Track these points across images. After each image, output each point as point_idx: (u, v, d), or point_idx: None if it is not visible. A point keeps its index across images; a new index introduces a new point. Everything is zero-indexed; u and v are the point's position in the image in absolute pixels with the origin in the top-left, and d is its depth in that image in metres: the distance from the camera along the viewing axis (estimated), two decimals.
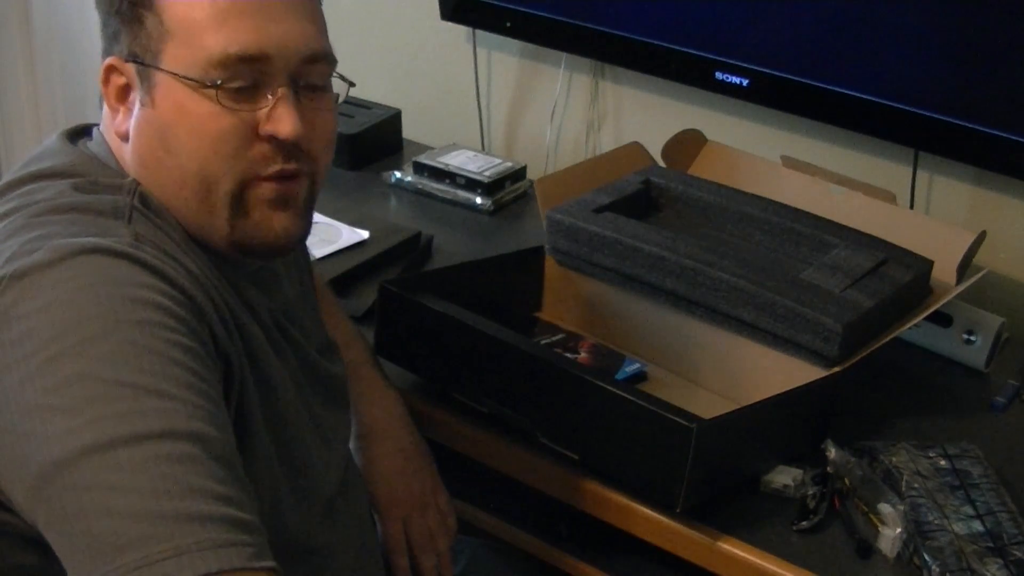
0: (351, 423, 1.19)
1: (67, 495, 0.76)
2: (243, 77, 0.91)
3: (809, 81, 1.51)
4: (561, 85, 1.87)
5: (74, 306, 0.81)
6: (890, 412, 1.30)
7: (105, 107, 0.97)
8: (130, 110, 0.95)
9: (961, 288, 1.29)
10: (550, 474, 1.20)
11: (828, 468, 1.14)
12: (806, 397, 1.18)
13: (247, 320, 0.96)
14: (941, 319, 1.39)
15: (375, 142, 1.88)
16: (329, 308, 1.25)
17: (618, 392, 1.10)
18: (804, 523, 1.11)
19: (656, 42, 1.63)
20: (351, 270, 1.47)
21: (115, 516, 0.75)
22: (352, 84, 1.01)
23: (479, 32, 1.90)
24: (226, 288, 0.95)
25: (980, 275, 1.29)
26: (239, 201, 0.93)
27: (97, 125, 1.01)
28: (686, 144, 1.54)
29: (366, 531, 1.15)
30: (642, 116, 1.81)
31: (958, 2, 1.38)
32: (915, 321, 1.25)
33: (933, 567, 1.04)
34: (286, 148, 0.93)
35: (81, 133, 1.01)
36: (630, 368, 1.32)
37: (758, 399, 1.15)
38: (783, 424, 1.19)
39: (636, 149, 1.54)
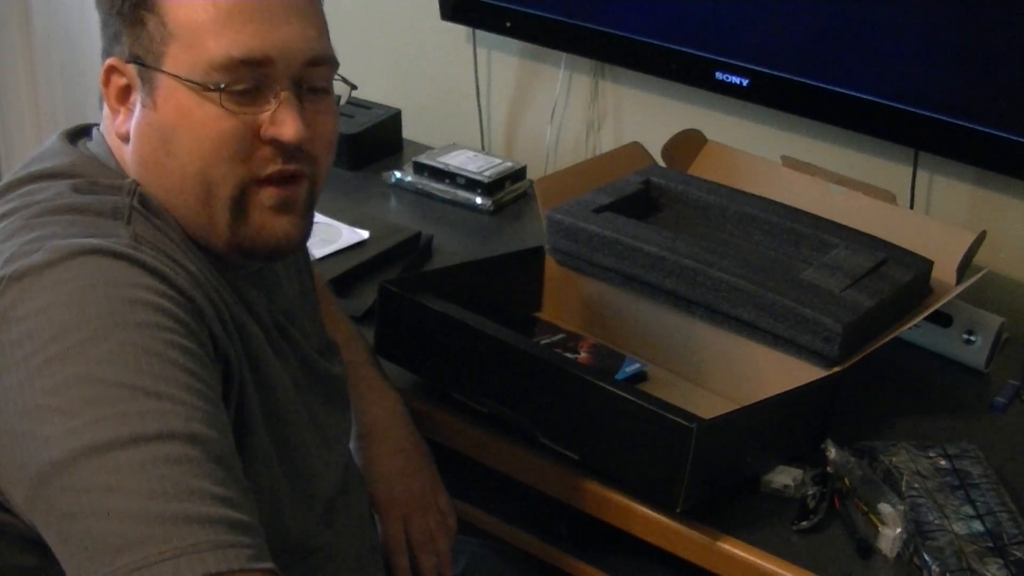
0: (351, 423, 1.19)
1: (66, 496, 0.76)
2: (246, 80, 0.91)
3: (809, 81, 1.51)
4: (561, 85, 1.87)
5: (73, 307, 0.81)
6: (890, 412, 1.30)
7: (105, 107, 0.97)
8: (131, 111, 0.95)
9: (961, 288, 1.29)
10: (550, 474, 1.20)
11: (828, 468, 1.14)
12: (806, 397, 1.18)
13: (247, 321, 0.96)
14: (941, 319, 1.39)
15: (375, 142, 1.88)
16: (329, 308, 1.25)
17: (618, 392, 1.10)
18: (804, 523, 1.11)
19: (656, 42, 1.63)
20: (351, 270, 1.47)
21: (114, 517, 0.75)
22: (354, 87, 1.01)
23: (479, 32, 1.90)
24: (225, 289, 0.95)
25: (980, 275, 1.29)
26: (240, 205, 0.93)
27: (97, 125, 1.00)
28: (686, 144, 1.54)
29: (366, 531, 1.15)
30: (642, 116, 1.81)
31: (958, 2, 1.38)
32: (915, 321, 1.25)
33: (933, 567, 1.04)
34: (288, 151, 0.93)
35: (81, 133, 1.01)
36: (630, 368, 1.32)
37: (758, 399, 1.15)
38: (783, 424, 1.19)
39: (636, 149, 1.54)
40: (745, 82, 1.56)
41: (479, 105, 1.95)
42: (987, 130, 1.38)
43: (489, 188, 1.72)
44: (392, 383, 1.26)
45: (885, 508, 1.09)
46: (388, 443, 1.21)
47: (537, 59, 1.89)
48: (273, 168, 0.93)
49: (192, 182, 0.92)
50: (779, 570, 1.07)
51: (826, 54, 1.50)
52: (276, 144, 0.92)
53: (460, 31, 1.93)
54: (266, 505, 0.94)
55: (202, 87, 0.90)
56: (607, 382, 1.13)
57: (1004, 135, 1.37)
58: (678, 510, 1.09)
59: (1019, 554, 1.05)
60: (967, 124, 1.39)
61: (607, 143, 1.85)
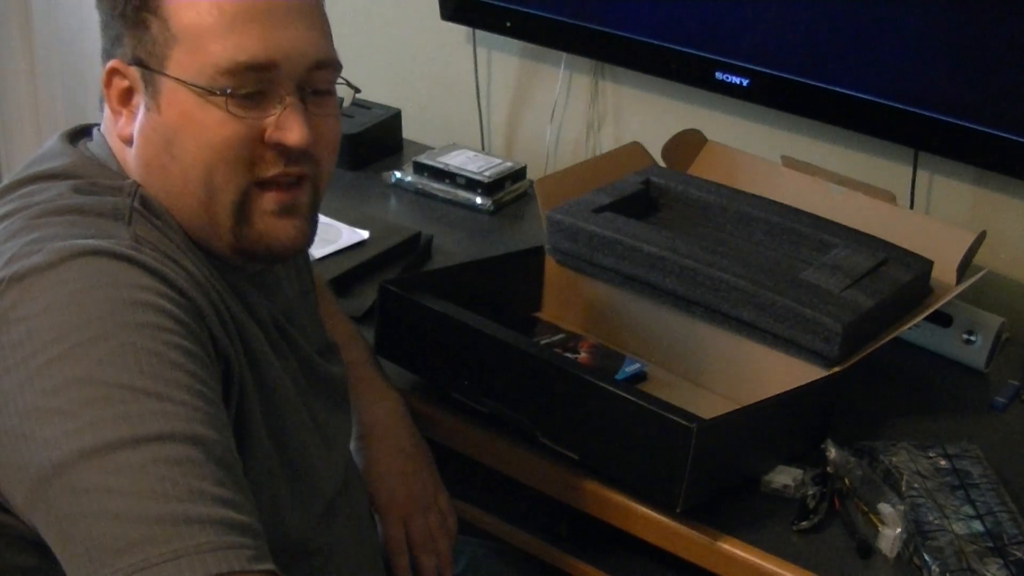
0: (351, 424, 1.19)
1: (66, 498, 0.76)
2: (251, 84, 0.91)
3: (809, 81, 1.51)
4: (561, 85, 1.87)
5: (74, 308, 0.81)
6: (890, 412, 1.30)
7: (106, 109, 0.97)
8: (133, 114, 0.95)
9: (961, 288, 1.29)
10: (550, 474, 1.20)
11: (828, 468, 1.14)
12: (806, 397, 1.18)
13: (247, 322, 0.96)
14: (941, 319, 1.39)
15: (375, 142, 1.88)
16: (329, 308, 1.25)
17: (618, 392, 1.10)
18: (804, 523, 1.11)
19: (656, 42, 1.63)
20: (351, 270, 1.47)
21: (114, 519, 0.75)
22: (358, 90, 1.01)
23: (479, 32, 1.90)
24: (226, 290, 0.95)
25: (980, 275, 1.29)
26: (242, 210, 0.93)
27: (97, 126, 1.00)
28: (686, 144, 1.54)
29: (366, 532, 1.15)
30: (642, 116, 1.81)
31: (958, 2, 1.38)
32: (915, 321, 1.25)
33: (933, 567, 1.04)
34: (292, 155, 0.93)
35: (81, 134, 1.01)
36: (630, 368, 1.32)
37: (758, 399, 1.15)
38: (783, 424, 1.19)
39: (636, 149, 1.54)
40: (745, 82, 1.56)
41: (479, 105, 1.95)
42: (987, 130, 1.38)
43: (489, 188, 1.72)
44: (392, 383, 1.26)
45: (885, 508, 1.09)
46: (388, 443, 1.21)
47: (537, 59, 1.89)
48: (276, 171, 0.93)
49: (195, 186, 0.92)
50: (779, 570, 1.07)
51: (826, 54, 1.50)
52: (280, 148, 0.93)
53: (460, 31, 1.93)
54: (266, 506, 0.94)
55: (207, 91, 0.90)
56: (607, 382, 1.13)
57: (1004, 135, 1.37)
58: (678, 510, 1.09)
59: (1019, 554, 1.05)
60: (967, 124, 1.39)
61: (607, 143, 1.85)
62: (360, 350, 1.26)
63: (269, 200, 0.94)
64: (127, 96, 0.95)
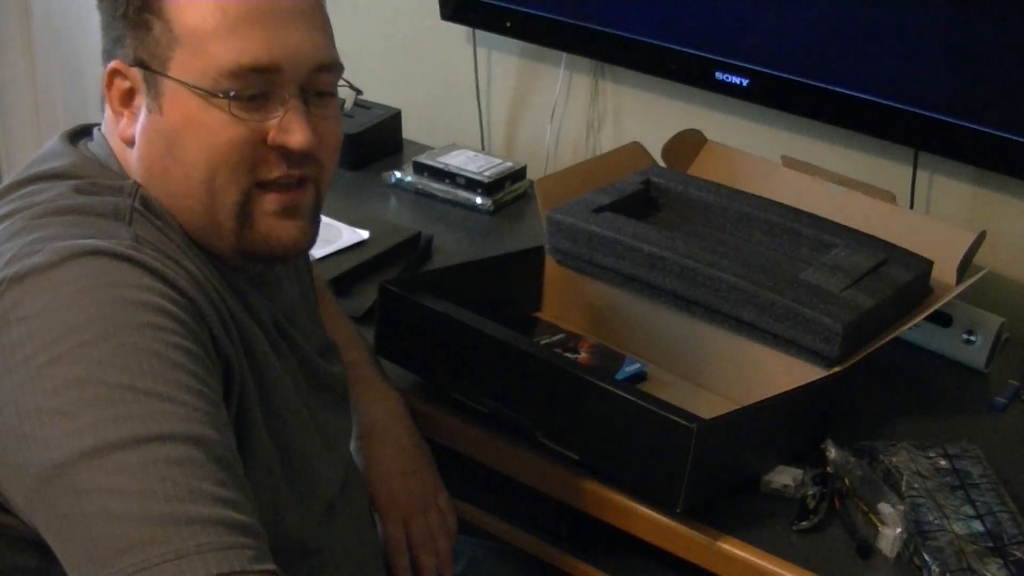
0: (351, 424, 1.19)
1: (67, 498, 0.76)
2: (254, 87, 0.91)
3: (809, 81, 1.51)
4: (561, 85, 1.87)
5: (74, 309, 0.81)
6: (890, 412, 1.30)
7: (107, 109, 0.97)
8: (135, 115, 0.95)
9: (961, 288, 1.29)
10: (550, 474, 1.20)
11: (828, 468, 1.14)
12: (806, 397, 1.18)
13: (247, 322, 0.96)
14: (941, 319, 1.39)
15: (375, 142, 1.88)
16: (329, 309, 1.25)
17: (618, 392, 1.10)
18: (804, 523, 1.11)
19: (656, 42, 1.63)
20: (351, 270, 1.47)
21: (115, 519, 0.75)
22: (359, 92, 1.01)
23: (479, 32, 1.90)
24: (226, 290, 0.95)
25: (980, 275, 1.29)
26: (245, 211, 0.93)
27: (98, 125, 1.00)
28: (686, 144, 1.54)
29: (366, 532, 1.16)
30: (642, 116, 1.81)
31: (958, 2, 1.38)
32: (915, 321, 1.25)
33: (933, 567, 1.04)
34: (295, 157, 0.93)
35: (82, 134, 1.01)
36: (630, 368, 1.32)
37: (758, 399, 1.15)
38: (783, 424, 1.19)
39: (636, 149, 1.54)
40: (745, 82, 1.56)
41: (479, 105, 1.95)
42: (987, 130, 1.38)
43: (489, 188, 1.72)
44: (392, 383, 1.26)
45: (885, 508, 1.09)
46: (388, 443, 1.21)
47: (537, 59, 1.89)
48: (279, 173, 0.93)
49: (197, 188, 0.92)
50: (779, 570, 1.07)
51: (826, 54, 1.50)
52: (283, 151, 0.93)
53: (460, 31, 1.93)
54: (266, 506, 0.94)
55: (210, 94, 0.90)
56: (607, 382, 1.13)
57: (1004, 135, 1.37)
58: (678, 510, 1.09)
59: (1019, 554, 1.05)
60: (967, 124, 1.39)
61: (607, 143, 1.85)
62: (360, 350, 1.26)
63: (271, 200, 0.94)
64: (129, 97, 0.95)
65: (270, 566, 0.78)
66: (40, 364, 0.79)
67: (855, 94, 1.47)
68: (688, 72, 1.63)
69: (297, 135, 0.92)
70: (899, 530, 1.07)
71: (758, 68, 1.55)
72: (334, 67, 0.96)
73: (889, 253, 1.30)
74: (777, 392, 1.16)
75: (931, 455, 1.18)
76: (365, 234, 1.55)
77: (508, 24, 1.77)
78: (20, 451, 0.79)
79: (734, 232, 1.39)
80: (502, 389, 1.20)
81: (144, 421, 0.78)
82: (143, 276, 0.84)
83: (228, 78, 0.90)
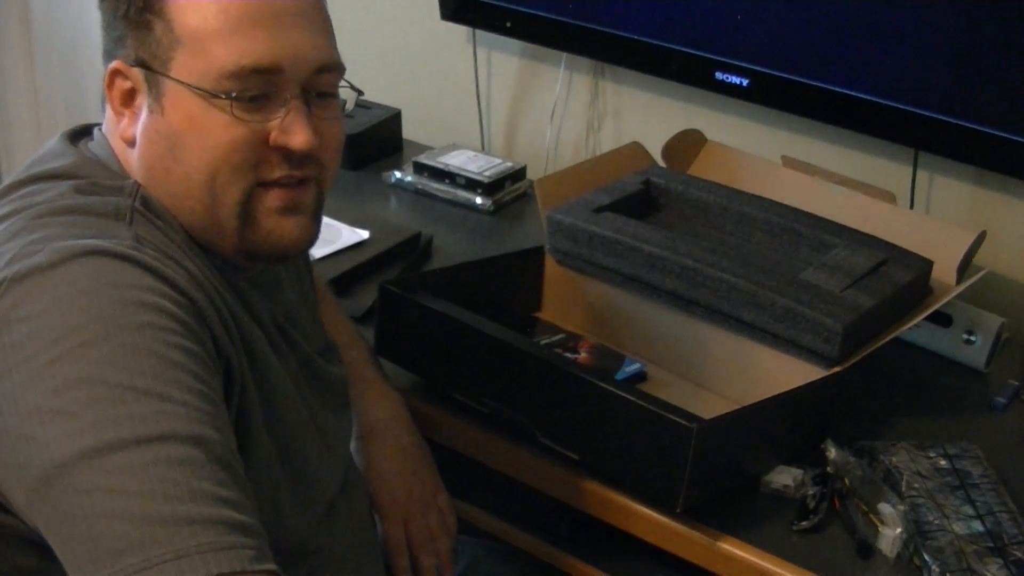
0: (351, 424, 1.19)
1: (67, 498, 0.76)
2: (256, 88, 0.91)
3: (809, 81, 1.51)
4: (561, 85, 1.87)
5: (75, 309, 0.81)
6: (890, 412, 1.30)
7: (108, 109, 0.97)
8: (136, 115, 0.95)
9: (961, 288, 1.29)
10: (550, 474, 1.20)
11: (828, 468, 1.14)
12: (806, 397, 1.18)
13: (247, 322, 0.96)
14: (941, 319, 1.39)
15: (375, 142, 1.88)
16: (329, 309, 1.25)
17: (618, 392, 1.10)
18: (804, 523, 1.11)
19: (656, 42, 1.63)
20: (351, 270, 1.47)
21: (115, 519, 0.75)
22: (361, 93, 1.01)
23: (479, 32, 1.90)
24: (227, 290, 0.95)
25: (980, 275, 1.29)
26: (247, 211, 0.93)
27: (98, 125, 1.00)
28: (686, 144, 1.54)
29: (366, 532, 1.16)
30: (642, 116, 1.81)
31: (958, 2, 1.38)
32: (915, 321, 1.25)
33: (933, 567, 1.04)
34: (297, 158, 0.93)
35: (82, 133, 1.01)
36: (630, 368, 1.32)
37: (758, 399, 1.15)
38: (783, 424, 1.19)
39: (636, 149, 1.54)
40: (745, 82, 1.56)
41: (479, 105, 1.95)
42: (987, 130, 1.38)
43: (489, 188, 1.72)
44: (392, 383, 1.26)
45: (885, 508, 1.09)
46: (388, 443, 1.21)
47: (537, 59, 1.89)
48: (280, 173, 0.94)
49: (199, 188, 0.92)
50: (779, 570, 1.07)
51: (826, 54, 1.50)
52: (285, 152, 0.93)
53: (460, 31, 1.93)
54: (266, 506, 0.94)
55: (212, 95, 0.90)
56: (607, 382, 1.13)
57: (1004, 135, 1.37)
58: (678, 510, 1.09)
59: (1019, 554, 1.06)
60: (967, 124, 1.39)
61: (607, 143, 1.85)
62: (360, 350, 1.26)
63: (273, 198, 0.94)
64: (130, 97, 0.95)
65: (271, 566, 0.78)
66: (41, 364, 0.79)
67: (855, 94, 1.47)
68: (688, 72, 1.63)
69: (299, 136, 0.92)
70: (899, 530, 1.07)
71: (758, 68, 1.55)
72: (336, 68, 0.96)
73: (889, 253, 1.30)
74: (777, 392, 1.16)
75: (931, 455, 1.18)
76: (365, 234, 1.55)
77: (508, 24, 1.77)
78: (20, 451, 0.79)
79: (734, 232, 1.39)
80: (502, 389, 1.20)
81: (145, 421, 0.78)
82: (144, 276, 0.84)
83: (230, 79, 0.90)
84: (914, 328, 1.29)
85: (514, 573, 1.32)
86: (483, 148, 1.97)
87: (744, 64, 1.56)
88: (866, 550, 1.09)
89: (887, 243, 1.32)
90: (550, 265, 1.42)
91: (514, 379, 1.19)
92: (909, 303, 1.28)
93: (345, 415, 1.16)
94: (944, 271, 1.32)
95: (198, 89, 0.90)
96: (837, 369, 1.19)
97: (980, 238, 1.34)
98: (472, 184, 1.73)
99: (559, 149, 1.91)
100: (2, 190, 0.94)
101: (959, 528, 1.08)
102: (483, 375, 1.22)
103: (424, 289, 1.27)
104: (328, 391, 1.10)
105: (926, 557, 1.05)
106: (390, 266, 1.51)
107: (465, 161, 1.78)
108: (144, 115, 0.93)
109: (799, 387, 1.17)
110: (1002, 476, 1.17)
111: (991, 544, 1.07)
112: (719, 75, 1.58)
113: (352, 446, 1.19)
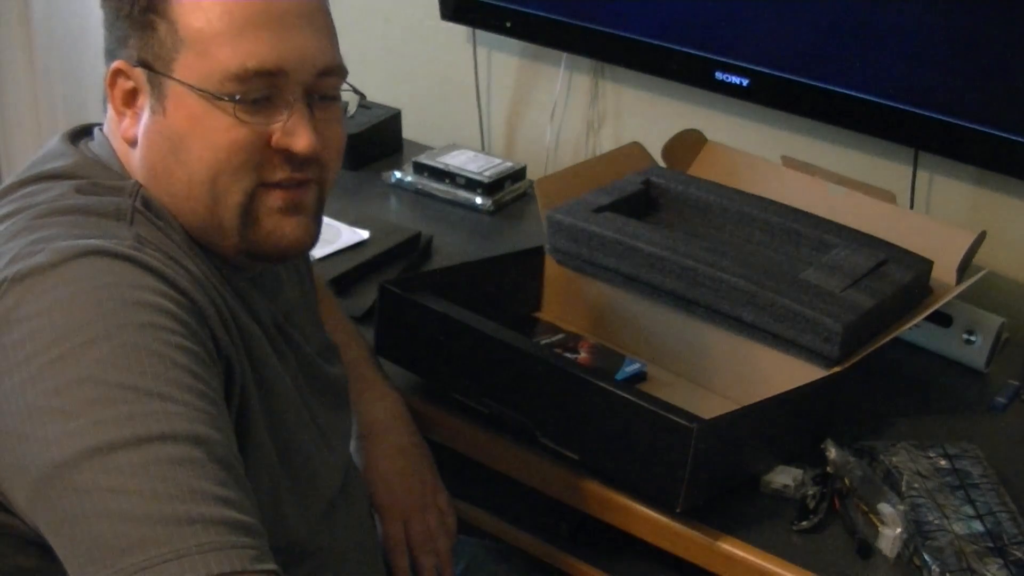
0: (351, 424, 1.19)
1: (68, 498, 0.76)
2: (259, 90, 0.91)
3: (809, 81, 1.51)
4: (561, 85, 1.87)
5: (75, 309, 0.81)
6: (890, 412, 1.30)
7: (110, 109, 0.97)
8: (138, 115, 0.95)
9: (961, 288, 1.29)
10: (550, 474, 1.20)
11: (828, 468, 1.14)
12: (806, 397, 1.18)
13: (248, 322, 0.96)
14: (941, 319, 1.39)
15: (375, 142, 1.89)
16: (329, 309, 1.25)
17: (618, 392, 1.10)
18: (804, 523, 1.11)
19: (656, 42, 1.63)
20: (351, 270, 1.48)
21: (116, 519, 0.75)
22: (362, 95, 1.01)
23: (479, 32, 1.90)
24: (227, 290, 0.95)
25: (980, 275, 1.29)
26: (248, 211, 0.94)
27: (99, 125, 1.00)
28: (686, 144, 1.54)
29: (366, 532, 1.16)
30: (642, 116, 1.81)
31: (958, 2, 1.38)
32: (915, 321, 1.25)
33: (933, 567, 1.04)
34: (299, 160, 0.93)
35: (83, 133, 1.01)
36: (630, 368, 1.32)
37: (758, 399, 1.15)
38: (783, 424, 1.19)
39: (636, 149, 1.54)
40: (745, 82, 1.56)
41: (479, 105, 1.95)
42: (987, 130, 1.38)
43: (489, 188, 1.72)
44: (392, 383, 1.26)
45: (885, 508, 1.09)
46: (388, 443, 1.21)
47: (537, 59, 1.89)
48: (282, 175, 0.94)
49: (201, 190, 0.92)
50: (779, 570, 1.07)
51: (826, 54, 1.50)
52: (287, 154, 0.93)
53: (460, 31, 1.93)
54: (267, 506, 0.94)
55: (215, 97, 0.90)
56: (607, 382, 1.13)
57: (1004, 135, 1.37)
58: (678, 510, 1.09)
59: (1019, 554, 1.06)
60: (967, 124, 1.39)
61: (607, 143, 1.85)
62: (360, 350, 1.26)
63: (275, 198, 0.94)
64: (132, 97, 0.95)
65: (271, 566, 0.78)
66: (41, 364, 0.79)
67: (855, 94, 1.47)
68: (688, 72, 1.63)
69: (301, 139, 0.92)
70: (899, 530, 1.07)
71: (758, 68, 1.55)
72: (338, 71, 0.96)
73: (889, 253, 1.30)
74: (777, 392, 1.16)
75: (931, 455, 1.18)
76: (365, 234, 1.55)
77: (508, 24, 1.77)
78: (21, 451, 0.79)
79: (734, 232, 1.39)
80: (502, 389, 1.20)
81: (145, 421, 0.78)
82: (144, 276, 0.84)
83: (233, 81, 0.90)
84: (914, 328, 1.29)
85: (514, 573, 1.32)
86: (483, 148, 1.97)
87: (744, 64, 1.56)
88: (866, 550, 1.09)
89: (887, 243, 1.32)
90: (550, 265, 1.42)
91: (514, 379, 1.19)
92: (909, 303, 1.29)
93: (345, 415, 1.16)
94: (944, 271, 1.32)
95: (201, 91, 0.90)
96: (837, 369, 1.19)
97: (980, 238, 1.34)
98: (472, 184, 1.73)
99: (559, 149, 1.91)
100: (3, 190, 0.94)
101: (959, 528, 1.08)
102: (483, 375, 1.22)
103: (424, 289, 1.27)
104: (328, 391, 1.10)
105: (926, 557, 1.05)
106: (390, 266, 1.51)
107: (465, 161, 1.78)
108: (146, 115, 0.93)
109: (799, 387, 1.17)
110: (1002, 476, 1.17)
111: (991, 544, 1.07)
112: (719, 75, 1.58)
113: (352, 446, 1.19)
